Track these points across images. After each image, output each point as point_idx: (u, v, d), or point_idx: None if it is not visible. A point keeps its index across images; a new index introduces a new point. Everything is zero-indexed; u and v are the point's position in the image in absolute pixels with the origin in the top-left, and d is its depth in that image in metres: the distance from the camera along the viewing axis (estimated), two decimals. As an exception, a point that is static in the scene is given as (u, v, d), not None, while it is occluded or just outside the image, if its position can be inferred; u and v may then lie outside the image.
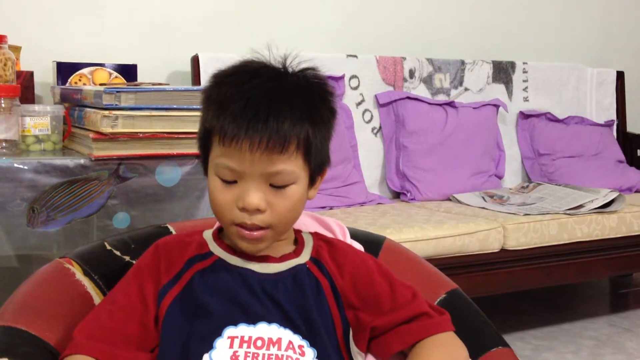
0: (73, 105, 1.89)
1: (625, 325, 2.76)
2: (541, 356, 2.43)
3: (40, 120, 1.75)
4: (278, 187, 0.88)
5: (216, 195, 0.89)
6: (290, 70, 0.91)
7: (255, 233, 0.88)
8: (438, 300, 1.11)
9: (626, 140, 3.51)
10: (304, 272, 0.94)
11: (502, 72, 3.20)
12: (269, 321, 0.90)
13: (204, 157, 0.93)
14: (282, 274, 0.93)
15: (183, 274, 0.93)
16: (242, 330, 0.88)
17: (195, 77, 2.53)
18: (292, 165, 0.87)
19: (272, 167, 0.86)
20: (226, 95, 0.87)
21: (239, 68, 0.90)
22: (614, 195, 2.65)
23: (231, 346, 0.87)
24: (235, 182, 0.87)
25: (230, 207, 0.88)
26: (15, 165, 1.56)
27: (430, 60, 3.04)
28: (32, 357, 0.89)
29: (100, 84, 2.14)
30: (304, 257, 0.96)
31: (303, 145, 0.87)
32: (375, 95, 2.89)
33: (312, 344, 0.90)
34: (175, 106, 1.67)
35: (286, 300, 0.91)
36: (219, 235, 0.97)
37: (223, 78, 0.90)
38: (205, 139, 0.91)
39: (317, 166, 0.92)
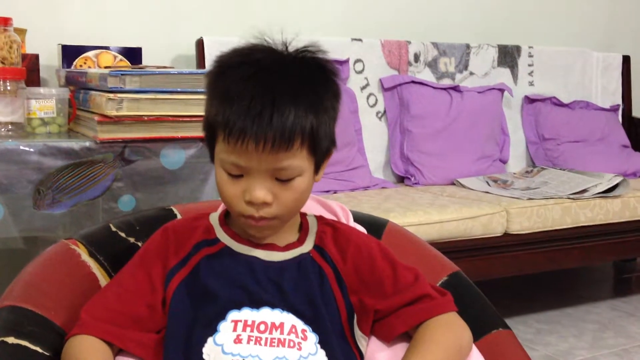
0: (78, 88, 1.89)
1: (628, 309, 2.77)
2: (544, 340, 2.44)
3: (45, 103, 1.75)
4: (283, 180, 0.88)
5: (224, 188, 0.90)
6: (293, 54, 0.90)
7: (262, 222, 0.90)
8: (440, 282, 1.11)
9: (631, 124, 3.50)
10: (308, 260, 0.96)
11: (508, 56, 3.19)
12: (273, 306, 0.91)
13: (209, 145, 0.93)
14: (286, 262, 0.95)
15: (191, 257, 0.94)
16: (246, 314, 0.90)
17: (200, 60, 2.53)
18: (298, 160, 0.87)
19: (278, 164, 0.86)
20: (230, 89, 0.86)
21: (242, 59, 0.89)
22: (618, 179, 2.64)
23: (235, 329, 0.88)
24: (241, 175, 0.88)
25: (238, 199, 0.89)
26: (21, 147, 1.56)
27: (435, 44, 3.02)
28: (38, 336, 0.90)
29: (105, 67, 2.14)
30: (308, 246, 0.97)
31: (308, 138, 0.87)
32: (380, 79, 2.88)
33: (315, 329, 0.91)
34: (179, 89, 1.67)
35: (291, 287, 0.93)
36: (225, 220, 0.98)
37: (226, 69, 0.89)
38: (210, 130, 0.91)
39: (322, 154, 0.92)
